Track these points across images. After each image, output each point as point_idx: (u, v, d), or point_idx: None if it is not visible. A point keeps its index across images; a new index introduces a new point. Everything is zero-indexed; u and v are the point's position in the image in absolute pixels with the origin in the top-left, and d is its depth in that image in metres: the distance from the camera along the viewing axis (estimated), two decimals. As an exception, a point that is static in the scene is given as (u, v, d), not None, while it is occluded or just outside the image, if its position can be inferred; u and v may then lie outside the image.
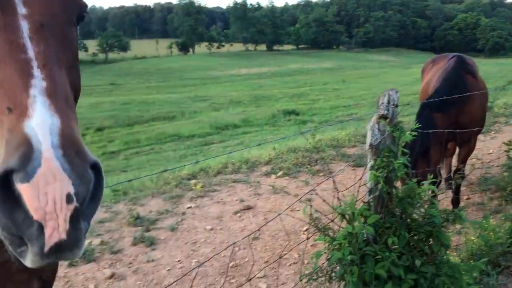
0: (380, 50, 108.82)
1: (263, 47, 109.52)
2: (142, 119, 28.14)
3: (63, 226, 0.81)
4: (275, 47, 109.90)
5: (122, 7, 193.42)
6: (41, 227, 0.80)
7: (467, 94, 4.68)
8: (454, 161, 6.37)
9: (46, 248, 0.81)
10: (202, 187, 6.90)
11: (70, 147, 0.86)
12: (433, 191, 2.70)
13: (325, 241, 2.63)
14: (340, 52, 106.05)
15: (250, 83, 36.43)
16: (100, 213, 6.05)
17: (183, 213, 6.01)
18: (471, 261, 3.33)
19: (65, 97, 0.96)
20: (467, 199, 5.94)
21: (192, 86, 49.37)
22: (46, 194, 0.79)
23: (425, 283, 2.58)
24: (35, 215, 0.79)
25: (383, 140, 2.51)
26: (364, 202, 2.63)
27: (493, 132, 10.16)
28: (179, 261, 4.82)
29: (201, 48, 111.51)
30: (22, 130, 0.84)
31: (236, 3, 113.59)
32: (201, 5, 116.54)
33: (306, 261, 4.59)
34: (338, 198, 2.62)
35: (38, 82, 0.91)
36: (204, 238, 5.30)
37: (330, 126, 15.23)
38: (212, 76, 60.32)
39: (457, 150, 5.75)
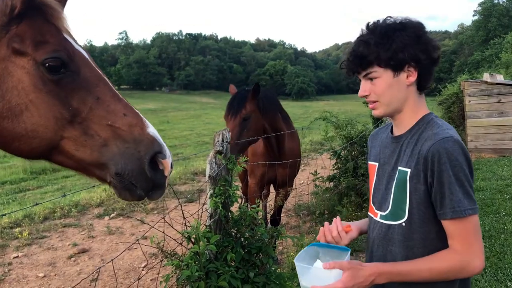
0: (201, 93, 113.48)
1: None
2: None
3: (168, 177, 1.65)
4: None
5: None
6: (165, 178, 1.62)
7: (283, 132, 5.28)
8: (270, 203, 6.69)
9: (165, 186, 1.65)
10: (28, 235, 6.49)
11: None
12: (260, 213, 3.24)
13: (172, 264, 2.95)
14: (163, 93, 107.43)
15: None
16: None
17: (9, 263, 5.60)
18: (293, 271, 3.99)
19: None
20: (286, 223, 6.83)
21: None
22: (169, 164, 1.59)
23: (259, 291, 3.07)
24: (166, 173, 1.59)
25: (220, 171, 2.98)
26: (206, 226, 3.03)
27: (303, 165, 11.70)
28: (9, 313, 4.52)
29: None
30: (149, 133, 1.59)
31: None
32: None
33: (148, 295, 4.76)
34: (185, 224, 2.97)
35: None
36: (38, 286, 5.03)
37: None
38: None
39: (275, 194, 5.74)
